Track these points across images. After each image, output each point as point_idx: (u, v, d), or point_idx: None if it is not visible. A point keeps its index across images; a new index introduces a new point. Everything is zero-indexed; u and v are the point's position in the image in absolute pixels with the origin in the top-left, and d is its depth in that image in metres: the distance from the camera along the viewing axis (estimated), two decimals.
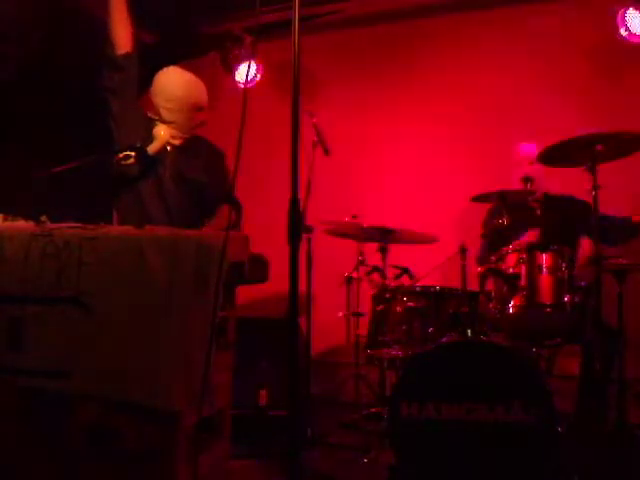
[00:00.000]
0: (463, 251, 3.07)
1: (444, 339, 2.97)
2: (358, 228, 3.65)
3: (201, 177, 3.02)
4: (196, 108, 2.98)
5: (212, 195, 3.07)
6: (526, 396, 2.61)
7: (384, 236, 3.59)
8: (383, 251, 3.62)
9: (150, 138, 2.88)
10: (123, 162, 2.81)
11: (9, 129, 4.13)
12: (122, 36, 2.88)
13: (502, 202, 3.23)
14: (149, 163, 2.87)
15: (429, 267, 3.34)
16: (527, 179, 3.74)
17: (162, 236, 2.07)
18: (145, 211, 2.89)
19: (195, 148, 3.05)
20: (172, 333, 1.98)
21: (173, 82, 2.98)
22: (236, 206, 3.04)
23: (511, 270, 3.07)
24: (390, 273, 3.62)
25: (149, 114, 2.97)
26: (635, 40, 3.98)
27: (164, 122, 2.95)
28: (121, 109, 2.94)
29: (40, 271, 2.05)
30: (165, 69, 3.02)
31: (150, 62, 3.06)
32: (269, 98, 4.55)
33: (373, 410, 3.63)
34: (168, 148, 2.98)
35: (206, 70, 5.21)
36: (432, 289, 3.39)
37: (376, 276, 3.70)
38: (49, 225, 2.13)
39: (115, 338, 1.99)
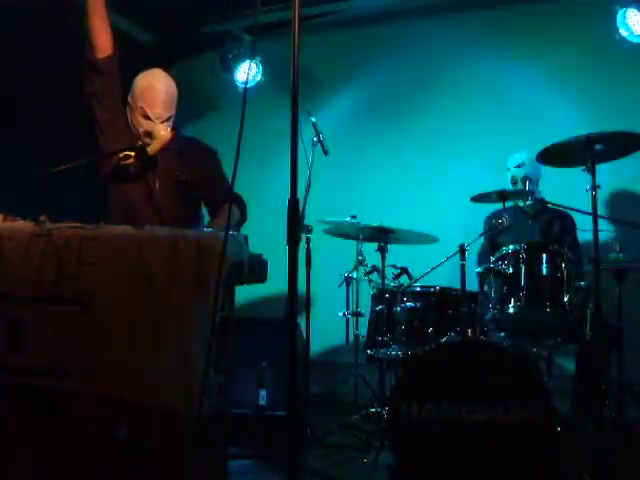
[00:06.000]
0: (463, 251, 3.07)
1: (444, 339, 2.97)
2: (357, 228, 3.65)
3: (191, 177, 2.94)
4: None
5: (209, 194, 3.03)
6: (526, 396, 2.62)
7: (383, 236, 3.59)
8: (382, 251, 3.61)
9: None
10: (123, 162, 2.80)
11: (9, 128, 4.13)
12: (101, 39, 2.79)
13: (502, 202, 3.25)
14: (149, 163, 2.86)
15: (429, 267, 3.34)
16: (518, 181, 3.79)
17: (162, 236, 2.07)
18: (136, 215, 2.83)
19: (183, 148, 2.99)
20: (172, 333, 1.98)
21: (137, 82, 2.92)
22: (240, 203, 3.02)
23: (511, 270, 3.07)
24: (389, 273, 3.62)
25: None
26: (635, 40, 3.98)
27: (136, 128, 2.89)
28: (105, 114, 2.87)
29: (40, 271, 2.05)
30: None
31: (150, 62, 3.04)
32: (269, 98, 4.55)
33: (373, 410, 3.63)
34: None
35: (205, 70, 5.26)
36: (432, 289, 3.40)
37: (375, 276, 3.71)
38: (49, 225, 2.13)
39: (115, 338, 1.99)
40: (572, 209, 3.48)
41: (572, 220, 3.85)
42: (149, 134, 2.84)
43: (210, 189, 3.02)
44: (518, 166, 3.87)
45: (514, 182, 3.85)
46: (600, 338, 3.03)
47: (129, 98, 2.91)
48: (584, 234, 3.59)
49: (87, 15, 2.76)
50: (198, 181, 2.97)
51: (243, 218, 3.04)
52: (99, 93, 2.85)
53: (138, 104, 2.86)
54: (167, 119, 2.90)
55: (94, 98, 2.86)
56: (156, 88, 2.88)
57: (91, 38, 2.79)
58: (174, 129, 3.00)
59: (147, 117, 2.85)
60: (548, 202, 3.75)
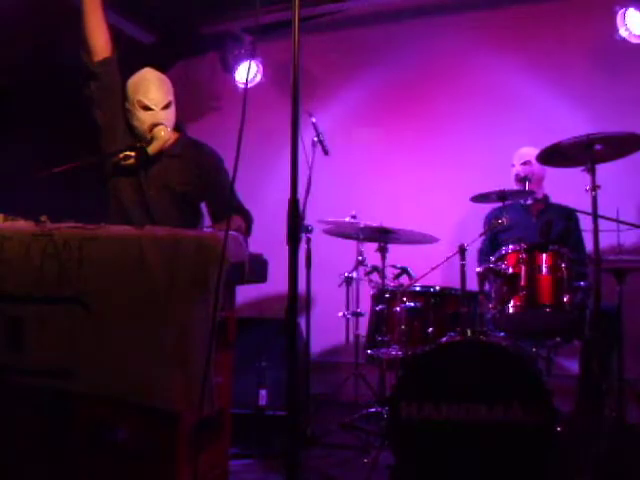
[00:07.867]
0: (463, 251, 3.07)
1: (444, 339, 2.97)
2: (357, 228, 3.65)
3: (189, 188, 2.88)
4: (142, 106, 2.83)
5: (212, 205, 2.98)
6: (525, 396, 2.62)
7: (383, 236, 3.59)
8: (382, 251, 3.61)
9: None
10: (123, 162, 2.80)
11: (8, 129, 4.13)
12: (98, 41, 2.74)
13: (502, 202, 3.25)
14: (149, 163, 2.85)
15: (429, 267, 3.34)
16: (523, 179, 3.77)
17: (162, 236, 2.07)
18: (128, 218, 2.79)
19: (187, 155, 2.93)
20: (172, 333, 1.98)
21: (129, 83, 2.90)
22: (246, 216, 2.94)
23: (511, 270, 3.07)
24: (390, 273, 3.63)
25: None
26: (635, 40, 3.98)
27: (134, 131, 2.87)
28: (105, 117, 2.84)
29: (40, 271, 2.05)
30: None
31: (150, 62, 3.03)
32: (269, 98, 4.55)
33: (373, 410, 3.63)
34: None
35: (205, 70, 5.26)
36: (432, 289, 3.40)
37: (375, 276, 3.71)
38: (49, 225, 2.13)
39: (115, 338, 1.99)
40: (572, 209, 3.49)
41: (577, 220, 3.83)
42: (155, 126, 2.81)
43: (213, 200, 2.96)
44: (524, 163, 3.85)
45: (518, 179, 3.81)
46: (601, 338, 3.03)
47: (126, 104, 2.87)
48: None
49: (84, 15, 2.71)
50: (199, 191, 2.92)
51: (248, 230, 2.92)
52: (98, 97, 2.82)
53: (135, 99, 2.83)
54: (166, 106, 2.85)
55: (93, 101, 2.83)
56: (147, 78, 2.87)
57: (88, 39, 2.74)
58: (179, 131, 2.98)
59: (146, 107, 2.82)
60: (551, 203, 3.76)
